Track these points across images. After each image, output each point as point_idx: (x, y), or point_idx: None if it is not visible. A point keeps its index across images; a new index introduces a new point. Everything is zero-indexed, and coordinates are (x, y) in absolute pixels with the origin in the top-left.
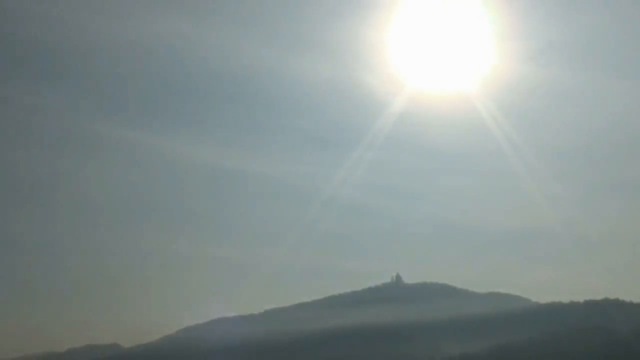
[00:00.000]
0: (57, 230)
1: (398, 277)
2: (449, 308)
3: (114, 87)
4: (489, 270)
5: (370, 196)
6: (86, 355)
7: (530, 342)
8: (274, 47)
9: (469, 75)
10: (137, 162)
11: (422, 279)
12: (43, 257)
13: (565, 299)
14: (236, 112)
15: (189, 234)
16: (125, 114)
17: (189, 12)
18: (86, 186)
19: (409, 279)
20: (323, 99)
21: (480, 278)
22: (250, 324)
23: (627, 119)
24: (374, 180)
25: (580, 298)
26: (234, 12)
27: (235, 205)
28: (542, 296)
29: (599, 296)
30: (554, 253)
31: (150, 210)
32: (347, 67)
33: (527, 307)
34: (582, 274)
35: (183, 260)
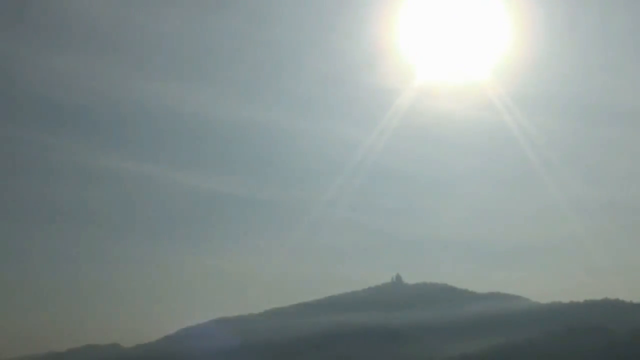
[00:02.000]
0: (58, 232)
1: (398, 277)
2: (449, 308)
3: (119, 131)
4: (489, 270)
5: (374, 198)
6: (86, 356)
7: (530, 342)
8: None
9: (482, 67)
10: (151, 190)
11: (422, 279)
12: (43, 258)
13: (565, 299)
14: (228, 142)
15: (193, 243)
16: (137, 153)
17: (186, 75)
18: (91, 201)
19: (409, 279)
20: (324, 96)
21: (480, 278)
22: (250, 324)
23: None
24: (378, 180)
25: (580, 298)
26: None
27: (234, 218)
28: (542, 296)
29: (599, 296)
30: (559, 255)
31: (156, 224)
32: (348, 63)
33: (527, 307)
34: (582, 274)
35: (184, 263)
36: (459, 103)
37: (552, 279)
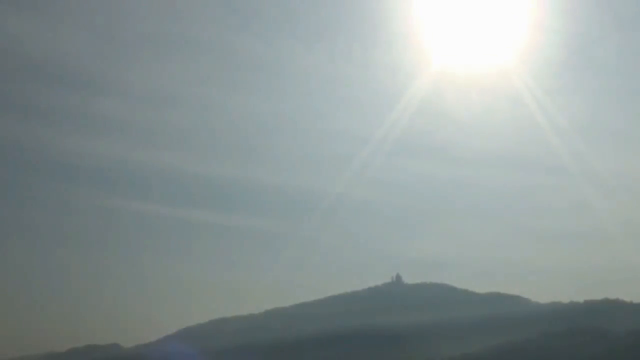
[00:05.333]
0: (59, 232)
1: (398, 277)
2: (449, 308)
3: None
4: (489, 270)
5: (377, 195)
6: (86, 355)
7: (530, 342)
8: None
9: (504, 52)
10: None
11: (422, 279)
12: (44, 258)
13: (565, 299)
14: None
15: (195, 251)
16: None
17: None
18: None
19: (409, 279)
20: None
21: (480, 278)
22: (250, 324)
23: None
24: (384, 174)
25: (580, 298)
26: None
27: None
28: (542, 296)
29: (599, 296)
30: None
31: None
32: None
33: (527, 307)
34: (582, 273)
35: (185, 265)
36: (480, 92)
37: (552, 279)
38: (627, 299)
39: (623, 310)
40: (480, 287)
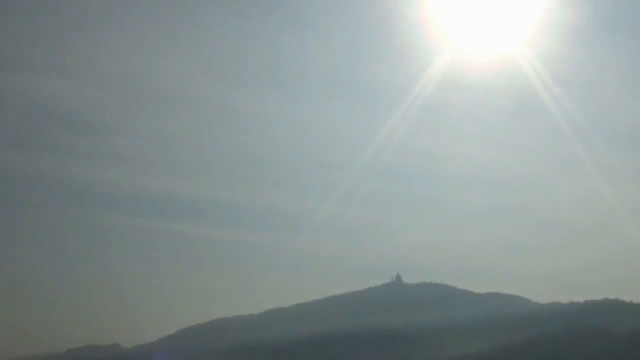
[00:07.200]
0: (59, 231)
1: (398, 277)
2: (448, 308)
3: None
4: (489, 270)
5: (374, 204)
6: (86, 356)
7: (530, 342)
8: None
9: (517, 37)
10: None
11: (422, 279)
12: (44, 258)
13: (565, 299)
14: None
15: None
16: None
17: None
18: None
19: (409, 279)
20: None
21: (480, 278)
22: (250, 324)
23: None
24: (390, 176)
25: (580, 298)
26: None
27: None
28: (542, 296)
29: (599, 296)
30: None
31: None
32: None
33: (527, 307)
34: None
35: (184, 263)
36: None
37: (552, 279)
38: (627, 299)
39: (623, 310)
40: (480, 287)
